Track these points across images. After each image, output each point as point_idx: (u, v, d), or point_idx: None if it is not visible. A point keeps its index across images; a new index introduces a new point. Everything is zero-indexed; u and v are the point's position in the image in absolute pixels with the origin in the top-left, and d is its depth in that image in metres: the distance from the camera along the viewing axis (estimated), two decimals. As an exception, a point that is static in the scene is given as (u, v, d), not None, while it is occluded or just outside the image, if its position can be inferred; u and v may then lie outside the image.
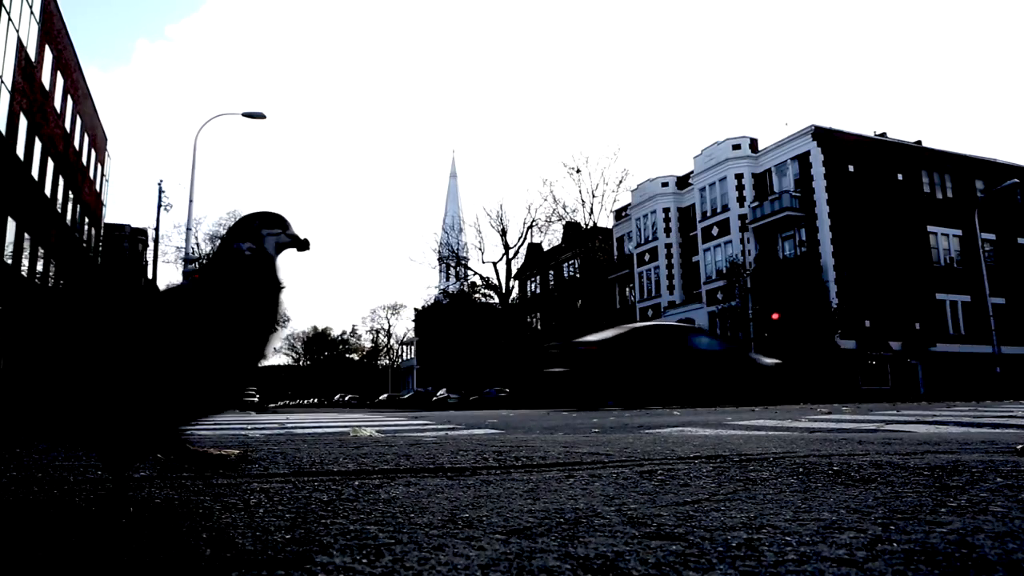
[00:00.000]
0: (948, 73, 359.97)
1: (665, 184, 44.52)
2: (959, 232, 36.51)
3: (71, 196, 31.47)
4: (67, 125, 30.23)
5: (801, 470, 2.23)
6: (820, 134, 34.07)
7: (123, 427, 1.21)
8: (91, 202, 36.07)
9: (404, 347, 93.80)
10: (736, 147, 38.03)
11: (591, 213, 47.97)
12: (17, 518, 1.41)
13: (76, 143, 32.18)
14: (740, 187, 37.46)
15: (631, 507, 1.55)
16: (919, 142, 38.64)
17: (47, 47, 26.46)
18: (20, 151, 23.80)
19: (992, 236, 36.97)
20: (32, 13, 24.44)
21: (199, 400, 1.28)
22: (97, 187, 37.69)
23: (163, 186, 36.05)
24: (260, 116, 25.59)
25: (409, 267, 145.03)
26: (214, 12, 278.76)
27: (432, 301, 60.06)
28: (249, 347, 1.29)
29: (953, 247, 36.46)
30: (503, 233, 49.91)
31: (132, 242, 45.33)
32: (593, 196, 48.67)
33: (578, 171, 47.32)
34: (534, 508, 1.54)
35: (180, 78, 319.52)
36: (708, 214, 39.17)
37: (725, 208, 37.96)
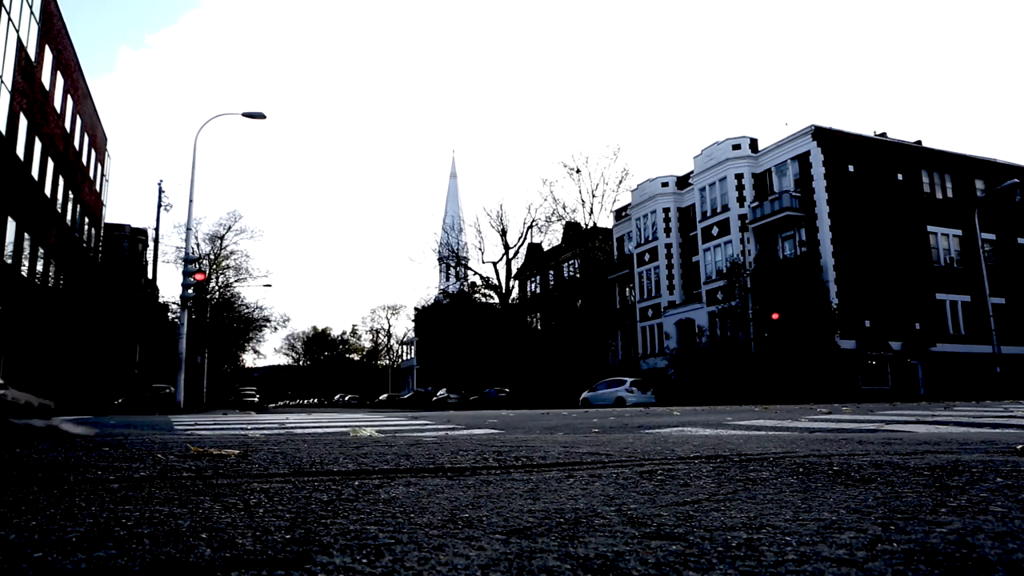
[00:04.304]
0: (948, 73, 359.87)
1: (665, 184, 44.52)
2: (959, 232, 36.51)
3: (71, 196, 31.46)
4: (67, 125, 30.22)
5: (801, 470, 2.23)
6: (820, 134, 34.08)
7: None
8: (91, 202, 36.07)
9: (404, 347, 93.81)
10: (736, 147, 38.03)
11: (591, 213, 47.99)
12: (17, 518, 1.41)
13: (76, 143, 32.17)
14: (740, 187, 37.46)
15: (631, 507, 1.55)
16: (919, 142, 38.63)
17: (47, 47, 26.45)
18: (20, 151, 23.80)
19: (992, 236, 36.97)
20: (32, 13, 24.44)
21: None
22: (97, 187, 37.68)
23: (163, 186, 36.09)
24: (260, 116, 25.60)
25: (409, 267, 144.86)
26: (195, 21, 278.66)
27: (432, 301, 60.08)
28: None
29: (953, 247, 36.46)
30: (503, 233, 49.91)
31: (132, 242, 45.36)
32: (593, 196, 48.68)
33: (578, 171, 47.34)
34: (534, 508, 1.54)
35: (177, 81, 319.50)
36: (708, 214, 39.17)
37: (725, 208, 37.96)
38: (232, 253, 51.59)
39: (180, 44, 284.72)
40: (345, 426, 8.31)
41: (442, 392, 51.04)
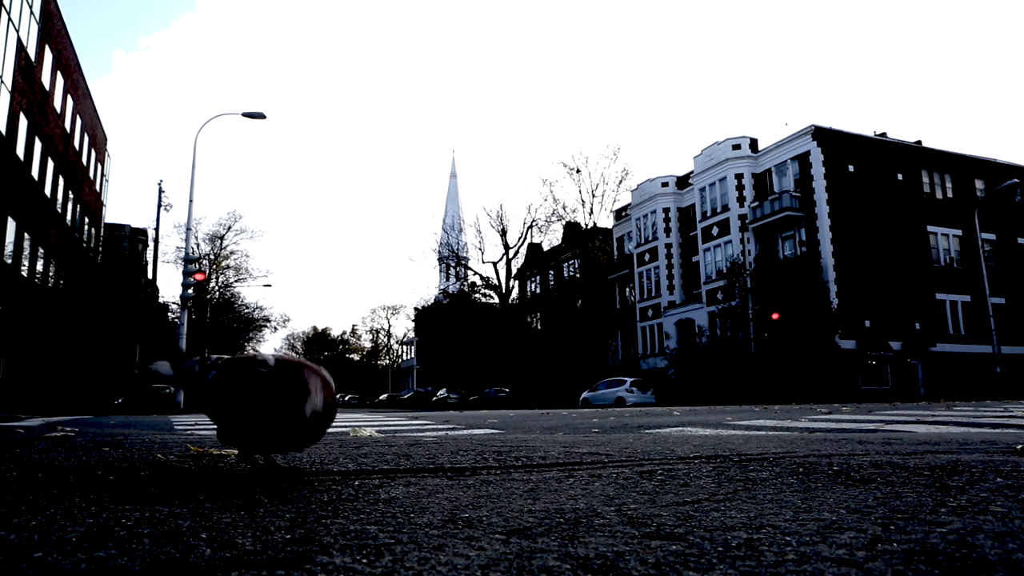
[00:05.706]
0: (948, 73, 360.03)
1: (665, 184, 44.52)
2: (959, 232, 36.51)
3: (71, 196, 31.46)
4: (67, 125, 30.22)
5: (801, 470, 2.23)
6: (820, 134, 34.08)
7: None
8: (91, 202, 36.07)
9: (404, 347, 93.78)
10: (736, 147, 38.03)
11: (591, 213, 48.04)
12: (17, 518, 1.41)
13: (76, 143, 32.17)
14: (740, 187, 37.46)
15: (631, 507, 1.55)
16: (919, 142, 38.63)
17: (47, 47, 26.45)
18: (20, 151, 23.80)
19: (992, 236, 36.97)
20: (32, 13, 24.44)
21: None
22: (97, 187, 37.68)
23: (163, 186, 36.10)
24: (260, 116, 25.60)
25: (409, 267, 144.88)
26: (192, 22, 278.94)
27: (432, 301, 60.08)
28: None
29: (953, 247, 36.46)
30: (503, 233, 49.93)
31: (132, 242, 45.36)
32: (593, 196, 48.71)
33: (578, 171, 47.38)
34: (534, 508, 1.54)
35: (176, 82, 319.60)
36: (708, 214, 39.17)
37: (725, 208, 37.96)
38: (232, 253, 51.69)
39: (177, 46, 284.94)
40: (345, 426, 8.31)
41: (442, 392, 51.04)
